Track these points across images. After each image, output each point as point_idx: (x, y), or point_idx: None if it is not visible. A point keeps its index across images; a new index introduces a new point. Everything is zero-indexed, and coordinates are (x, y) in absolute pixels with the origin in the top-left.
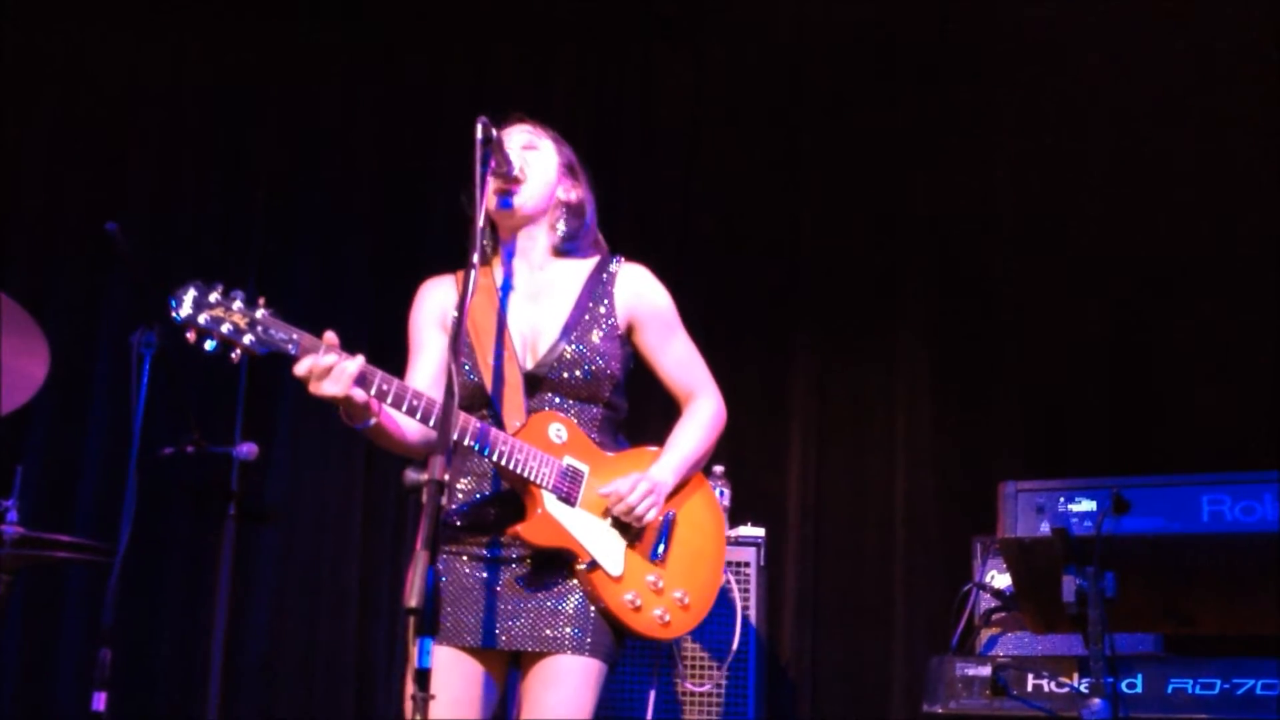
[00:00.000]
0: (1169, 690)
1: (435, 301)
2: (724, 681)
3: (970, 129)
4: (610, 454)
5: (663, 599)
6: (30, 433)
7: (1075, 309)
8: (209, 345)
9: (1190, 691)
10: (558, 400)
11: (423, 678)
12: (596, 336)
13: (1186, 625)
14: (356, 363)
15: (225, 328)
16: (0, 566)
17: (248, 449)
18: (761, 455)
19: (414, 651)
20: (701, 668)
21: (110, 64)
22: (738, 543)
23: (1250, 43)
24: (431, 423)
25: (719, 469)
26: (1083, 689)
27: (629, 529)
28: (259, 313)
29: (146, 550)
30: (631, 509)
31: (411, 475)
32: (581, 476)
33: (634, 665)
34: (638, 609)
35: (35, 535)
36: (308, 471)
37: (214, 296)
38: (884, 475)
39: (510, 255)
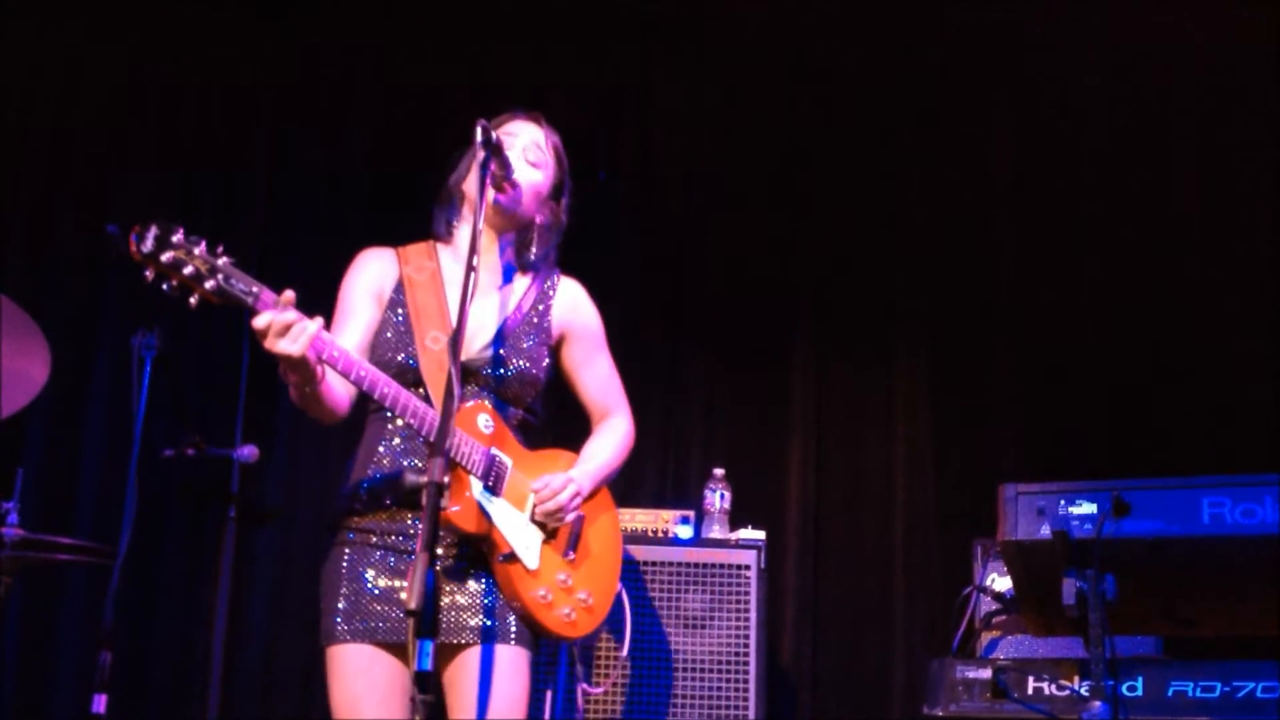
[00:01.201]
0: (1169, 693)
1: (374, 272)
2: (624, 683)
3: (969, 130)
4: (530, 452)
5: (570, 598)
6: (31, 435)
7: (1075, 311)
8: (165, 287)
9: (1191, 694)
10: (485, 395)
11: (422, 680)
12: (528, 343)
13: (1187, 628)
14: (316, 324)
15: (187, 270)
16: (0, 568)
17: (248, 451)
18: (761, 458)
19: (413, 654)
20: (600, 669)
21: (110, 64)
22: (738, 545)
23: (1250, 40)
24: (376, 395)
25: (719, 471)
26: (1083, 692)
27: (545, 526)
28: (221, 260)
29: (147, 552)
30: (560, 507)
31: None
32: (506, 468)
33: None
34: (548, 605)
35: (36, 537)
36: (307, 474)
37: (177, 238)
38: (884, 478)
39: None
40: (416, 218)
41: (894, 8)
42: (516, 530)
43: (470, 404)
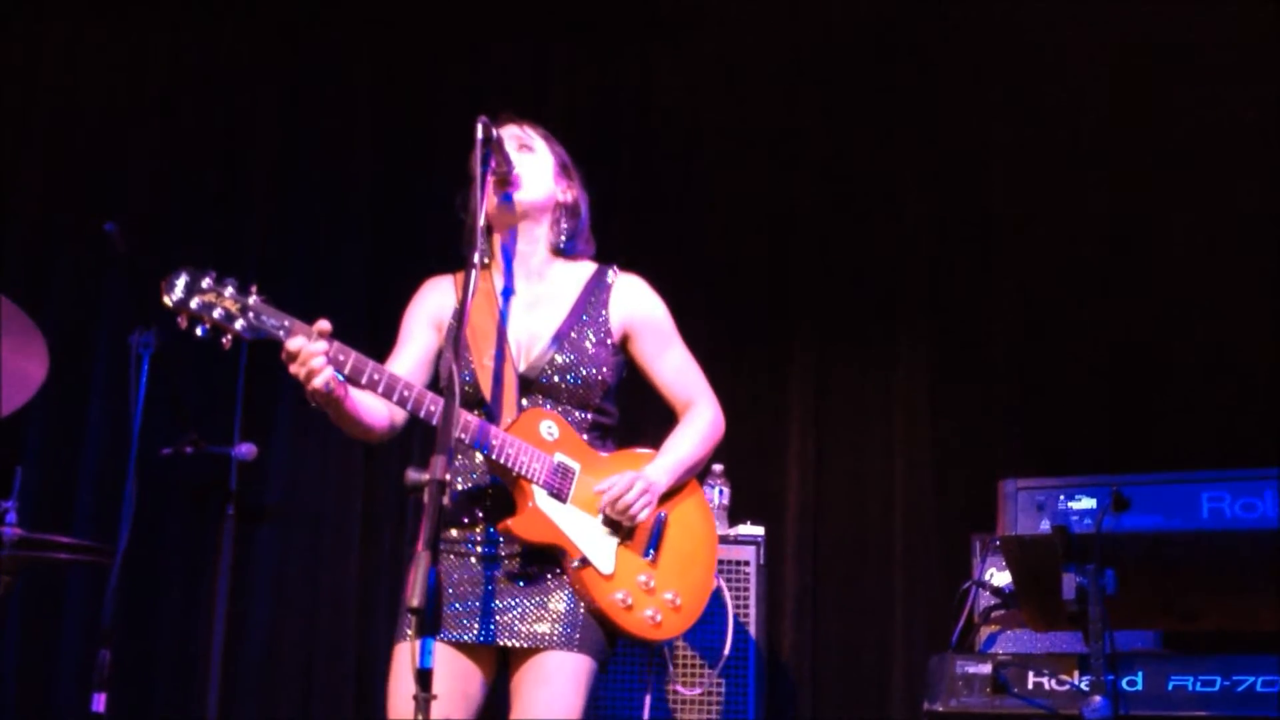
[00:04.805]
0: (1169, 687)
1: (433, 301)
2: (720, 684)
3: (969, 127)
4: (602, 454)
5: (654, 599)
6: (29, 434)
7: (1074, 307)
8: (200, 331)
9: (1190, 688)
10: (548, 403)
11: (424, 678)
12: (589, 344)
13: (1187, 622)
14: (349, 362)
15: (217, 313)
16: (0, 568)
17: (246, 449)
18: (761, 453)
19: (416, 652)
20: (694, 670)
21: (108, 63)
22: (737, 541)
23: (1249, 38)
24: (421, 414)
25: (718, 468)
26: (1083, 686)
27: (620, 528)
28: (251, 299)
29: (146, 551)
30: (628, 507)
31: (413, 475)
32: (573, 474)
33: (627, 668)
34: (629, 608)
35: (35, 536)
36: (306, 471)
37: (206, 282)
38: (883, 473)
39: (509, 260)
40: (413, 220)
41: (893, 4)
42: (588, 535)
43: (531, 411)
